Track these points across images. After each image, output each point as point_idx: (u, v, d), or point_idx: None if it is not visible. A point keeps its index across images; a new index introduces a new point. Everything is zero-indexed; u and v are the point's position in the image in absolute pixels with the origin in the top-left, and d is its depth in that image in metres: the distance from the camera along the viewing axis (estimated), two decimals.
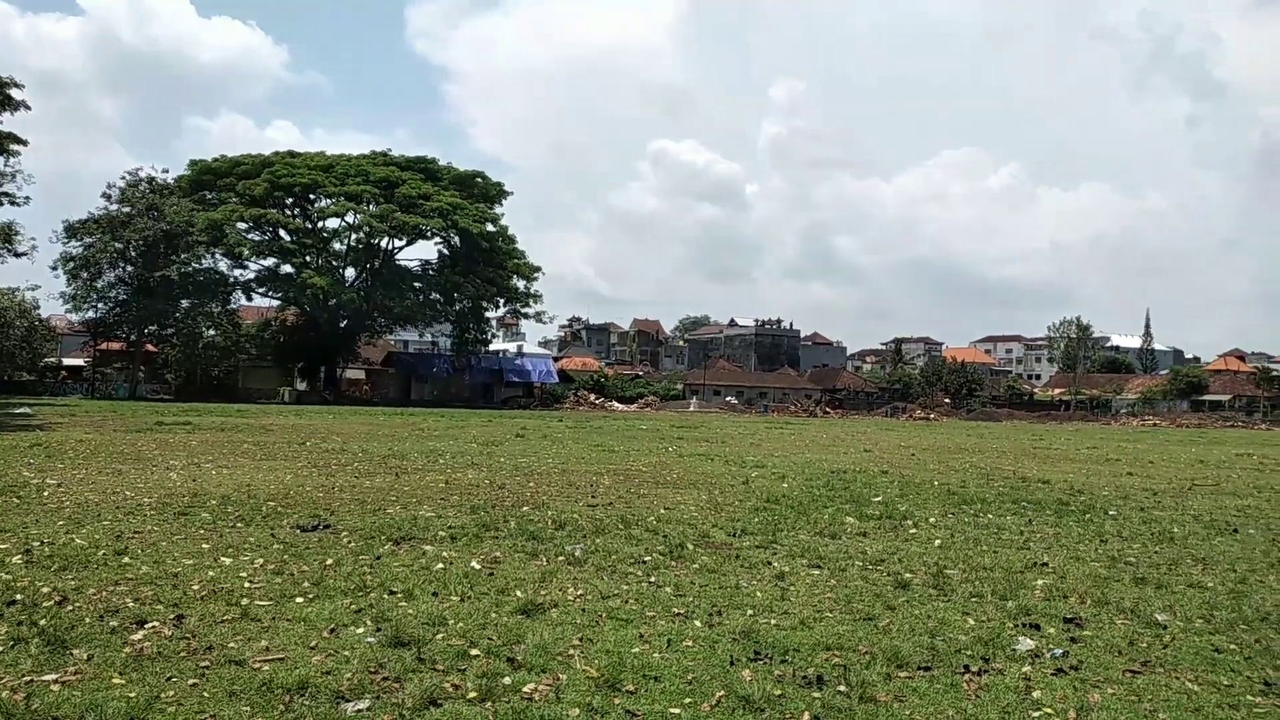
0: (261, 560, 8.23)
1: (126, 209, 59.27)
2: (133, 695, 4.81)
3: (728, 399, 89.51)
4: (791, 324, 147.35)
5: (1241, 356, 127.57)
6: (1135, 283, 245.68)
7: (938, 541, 10.26)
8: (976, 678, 5.47)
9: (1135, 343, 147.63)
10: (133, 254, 58.94)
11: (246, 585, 7.25)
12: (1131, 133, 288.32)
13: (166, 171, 63.88)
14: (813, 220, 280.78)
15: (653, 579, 7.91)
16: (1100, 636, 6.44)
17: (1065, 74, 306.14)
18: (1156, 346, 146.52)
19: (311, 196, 66.28)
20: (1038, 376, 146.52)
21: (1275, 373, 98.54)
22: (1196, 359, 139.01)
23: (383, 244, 68.25)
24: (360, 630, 6.10)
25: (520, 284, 70.64)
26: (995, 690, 5.26)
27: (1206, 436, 49.25)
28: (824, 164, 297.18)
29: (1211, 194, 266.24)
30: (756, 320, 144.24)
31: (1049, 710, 4.97)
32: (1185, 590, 8.00)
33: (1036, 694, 5.21)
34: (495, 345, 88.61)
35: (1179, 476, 19.99)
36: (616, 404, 75.94)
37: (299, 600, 6.86)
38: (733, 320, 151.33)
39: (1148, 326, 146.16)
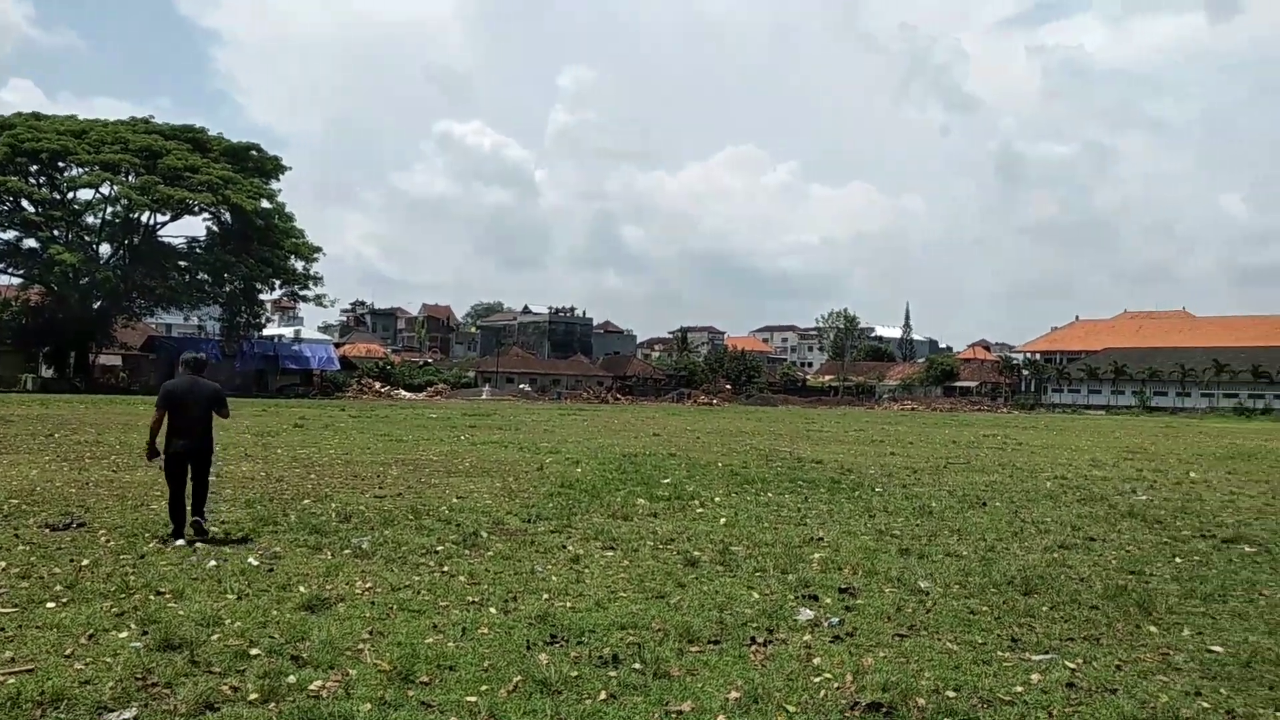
0: (4, 563, 7.43)
1: None
2: None
3: (521, 386, 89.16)
4: (584, 312, 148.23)
5: (987, 346, 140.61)
6: (896, 277, 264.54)
7: (723, 520, 10.66)
8: (763, 648, 5.73)
9: (896, 333, 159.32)
10: None
11: None
12: (894, 137, 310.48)
13: None
14: (602, 209, 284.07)
15: (446, 568, 7.77)
16: (871, 604, 6.91)
17: (837, 78, 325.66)
18: (915, 337, 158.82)
19: (60, 164, 59.68)
20: (810, 364, 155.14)
21: (1015, 362, 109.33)
22: (949, 349, 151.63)
23: (143, 219, 62.52)
24: (124, 634, 5.62)
25: (299, 265, 66.67)
26: (780, 659, 5.53)
27: (958, 419, 53.93)
28: (612, 155, 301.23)
29: (961, 197, 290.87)
30: (550, 308, 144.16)
31: (828, 675, 5.26)
32: (943, 559, 8.72)
33: (817, 660, 5.52)
34: (270, 330, 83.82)
35: (935, 455, 21.79)
36: (404, 392, 73.77)
37: (50, 605, 6.24)
38: (526, 308, 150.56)
39: (907, 318, 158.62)
